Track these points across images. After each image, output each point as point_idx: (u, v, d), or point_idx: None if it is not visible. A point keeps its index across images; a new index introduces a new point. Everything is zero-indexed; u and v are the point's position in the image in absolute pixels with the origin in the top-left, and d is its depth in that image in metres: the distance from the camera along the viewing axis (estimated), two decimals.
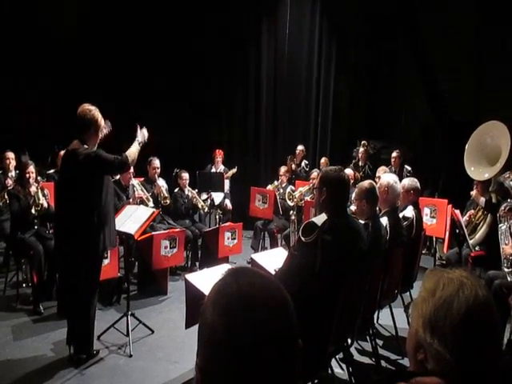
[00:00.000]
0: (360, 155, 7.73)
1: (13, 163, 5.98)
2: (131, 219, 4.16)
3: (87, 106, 3.53)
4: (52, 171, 6.25)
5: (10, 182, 5.64)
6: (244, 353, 0.78)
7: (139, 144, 3.71)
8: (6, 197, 5.26)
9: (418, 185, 4.42)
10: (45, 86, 7.28)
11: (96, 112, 3.53)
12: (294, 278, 2.67)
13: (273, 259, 3.37)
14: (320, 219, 2.73)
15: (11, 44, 7.50)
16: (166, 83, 8.37)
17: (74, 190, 3.45)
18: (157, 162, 5.99)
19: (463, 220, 5.03)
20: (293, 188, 7.19)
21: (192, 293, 3.09)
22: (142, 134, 3.77)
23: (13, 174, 5.90)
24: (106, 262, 4.51)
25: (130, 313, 3.96)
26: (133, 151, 3.63)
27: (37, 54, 7.59)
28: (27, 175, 4.81)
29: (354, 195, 5.21)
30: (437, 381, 1.10)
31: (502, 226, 4.36)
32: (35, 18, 7.58)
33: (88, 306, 3.56)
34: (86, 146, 3.47)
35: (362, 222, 3.46)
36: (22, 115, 7.17)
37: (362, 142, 7.76)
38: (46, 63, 7.57)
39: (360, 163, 7.70)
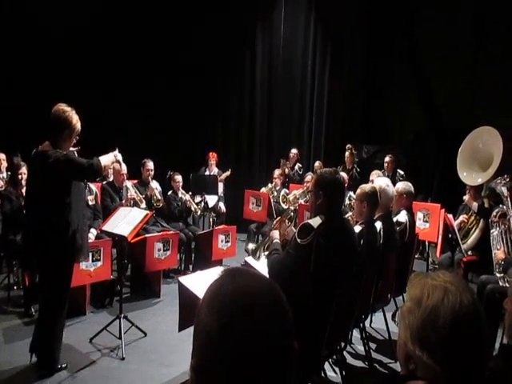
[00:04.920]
0: (346, 159, 7.77)
1: (4, 164, 5.95)
2: (124, 221, 4.13)
3: (62, 106, 3.28)
4: None
5: (1, 183, 5.61)
6: (239, 354, 0.78)
7: (115, 156, 3.57)
8: None
9: (412, 189, 4.44)
10: (39, 86, 7.23)
11: (71, 113, 3.28)
12: (287, 277, 2.68)
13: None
14: (316, 222, 2.74)
15: (5, 42, 7.47)
16: (164, 85, 8.37)
17: (41, 194, 3.25)
18: (150, 164, 5.98)
19: (456, 224, 5.06)
20: (287, 191, 7.21)
21: (185, 295, 3.07)
22: (115, 155, 3.59)
23: (4, 175, 5.87)
24: (98, 264, 4.51)
25: (122, 315, 3.94)
26: (107, 158, 3.46)
27: (31, 53, 7.56)
28: (19, 176, 4.77)
29: (351, 195, 5.22)
30: None
31: (494, 232, 4.40)
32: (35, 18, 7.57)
33: (53, 317, 3.36)
34: (57, 150, 3.23)
35: (358, 225, 3.48)
36: (13, 116, 7.11)
37: (347, 146, 7.81)
38: (41, 62, 7.53)
39: (348, 167, 7.73)
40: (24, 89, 7.29)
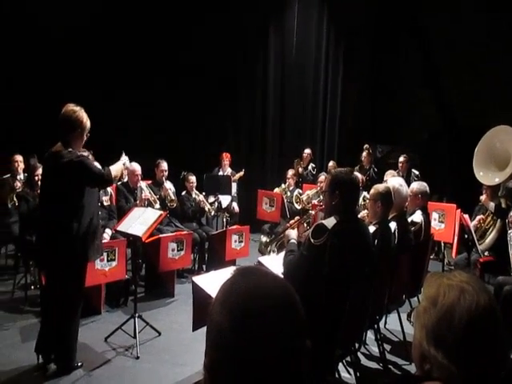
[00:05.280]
0: (363, 159, 7.75)
1: (21, 166, 6.03)
2: (139, 221, 4.17)
3: (72, 107, 3.32)
4: None
5: (18, 184, 5.69)
6: (251, 354, 0.78)
7: (123, 164, 3.65)
8: (15, 199, 5.31)
9: (427, 189, 4.40)
10: (38, 86, 7.26)
11: (81, 113, 3.32)
12: (302, 278, 2.67)
13: (280, 263, 3.36)
14: (330, 222, 2.73)
15: (5, 42, 7.54)
16: (173, 86, 8.39)
17: (54, 194, 3.28)
18: (164, 165, 6.00)
19: (472, 225, 5.00)
20: (300, 191, 7.19)
21: (199, 295, 3.08)
22: (125, 159, 3.69)
23: (21, 176, 5.96)
24: (113, 263, 4.54)
25: (137, 315, 3.97)
26: (117, 168, 3.52)
27: (31, 53, 7.57)
28: (36, 178, 4.84)
29: (365, 195, 5.18)
30: None
31: (511, 232, 4.34)
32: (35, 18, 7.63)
33: (68, 317, 3.38)
34: (70, 150, 3.27)
35: (372, 226, 3.45)
36: (19, 100, 7.15)
37: (365, 146, 7.80)
38: (41, 62, 7.55)
39: (365, 167, 7.70)
40: (24, 89, 7.34)
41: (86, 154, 3.55)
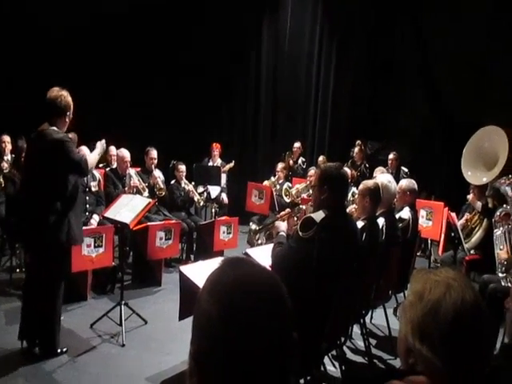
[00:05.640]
0: (355, 155, 7.78)
1: (9, 147, 5.95)
2: (127, 208, 4.13)
3: (61, 92, 3.35)
4: None
5: (5, 165, 5.61)
6: (238, 342, 0.78)
7: (98, 154, 3.66)
8: (2, 180, 5.24)
9: (416, 186, 4.44)
10: (39, 86, 7.22)
11: (69, 97, 3.39)
12: (289, 270, 2.68)
13: (268, 255, 3.36)
14: (319, 216, 2.73)
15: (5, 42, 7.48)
16: (166, 78, 8.35)
17: (39, 174, 3.29)
18: (154, 153, 5.97)
19: (459, 223, 5.05)
20: (289, 185, 7.20)
21: (186, 285, 3.09)
22: (102, 146, 3.68)
23: (9, 157, 5.88)
24: (100, 250, 4.52)
25: (123, 302, 3.95)
26: (93, 159, 3.55)
27: (31, 53, 7.57)
28: (23, 159, 4.77)
29: (354, 191, 5.22)
30: (428, 381, 1.11)
31: (497, 232, 4.39)
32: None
33: (51, 301, 3.37)
34: (55, 128, 3.31)
35: (360, 221, 3.47)
36: (19, 99, 7.10)
37: (357, 142, 7.82)
38: (41, 62, 7.53)
39: (356, 162, 7.73)
40: (24, 89, 7.26)
41: (70, 135, 3.58)
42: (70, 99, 3.40)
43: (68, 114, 3.40)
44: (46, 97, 3.36)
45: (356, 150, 7.77)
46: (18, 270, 4.94)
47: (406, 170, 7.23)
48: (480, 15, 7.42)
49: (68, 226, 3.31)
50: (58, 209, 3.26)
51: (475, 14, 7.41)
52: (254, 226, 3.72)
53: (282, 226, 3.13)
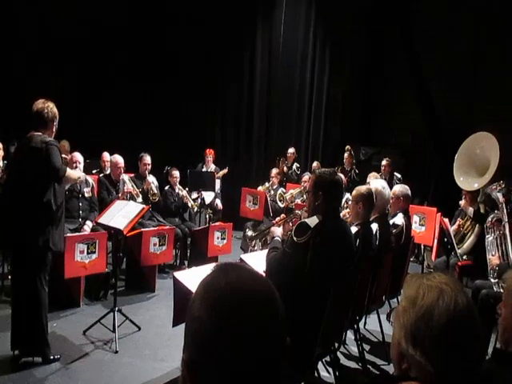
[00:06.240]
0: (345, 160, 7.80)
1: (1, 153, 5.91)
2: (121, 214, 4.13)
3: (47, 103, 3.40)
4: None
5: None
6: (230, 348, 0.78)
7: (77, 177, 3.75)
8: None
9: (409, 192, 4.45)
10: (39, 86, 7.25)
11: (54, 108, 3.44)
12: (284, 275, 2.68)
13: (262, 260, 3.36)
14: (313, 221, 2.74)
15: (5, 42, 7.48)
16: (160, 84, 8.37)
17: (22, 179, 3.29)
18: (148, 159, 5.97)
19: (452, 229, 5.08)
20: (284, 190, 7.21)
21: (180, 291, 3.07)
22: (82, 176, 3.91)
23: (1, 164, 5.84)
24: (93, 256, 4.49)
25: (116, 309, 3.94)
26: (72, 174, 3.58)
27: (32, 53, 7.57)
28: (10, 163, 4.75)
29: (348, 197, 5.23)
30: None
31: (489, 237, 4.43)
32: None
33: (37, 305, 3.34)
34: (41, 134, 3.34)
35: (354, 226, 3.48)
36: (12, 105, 7.09)
37: (346, 147, 7.85)
38: (42, 62, 7.54)
39: (346, 168, 7.75)
40: (24, 89, 7.25)
41: (63, 142, 3.65)
42: (55, 110, 3.45)
43: (55, 123, 3.45)
44: (31, 108, 3.40)
45: (345, 155, 7.80)
46: (9, 277, 4.89)
47: (399, 175, 7.27)
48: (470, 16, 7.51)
49: (48, 231, 3.29)
50: (38, 212, 3.25)
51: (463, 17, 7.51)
52: (250, 233, 3.71)
53: (278, 231, 3.14)
